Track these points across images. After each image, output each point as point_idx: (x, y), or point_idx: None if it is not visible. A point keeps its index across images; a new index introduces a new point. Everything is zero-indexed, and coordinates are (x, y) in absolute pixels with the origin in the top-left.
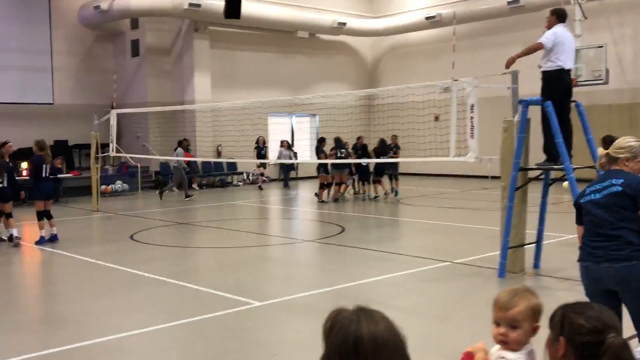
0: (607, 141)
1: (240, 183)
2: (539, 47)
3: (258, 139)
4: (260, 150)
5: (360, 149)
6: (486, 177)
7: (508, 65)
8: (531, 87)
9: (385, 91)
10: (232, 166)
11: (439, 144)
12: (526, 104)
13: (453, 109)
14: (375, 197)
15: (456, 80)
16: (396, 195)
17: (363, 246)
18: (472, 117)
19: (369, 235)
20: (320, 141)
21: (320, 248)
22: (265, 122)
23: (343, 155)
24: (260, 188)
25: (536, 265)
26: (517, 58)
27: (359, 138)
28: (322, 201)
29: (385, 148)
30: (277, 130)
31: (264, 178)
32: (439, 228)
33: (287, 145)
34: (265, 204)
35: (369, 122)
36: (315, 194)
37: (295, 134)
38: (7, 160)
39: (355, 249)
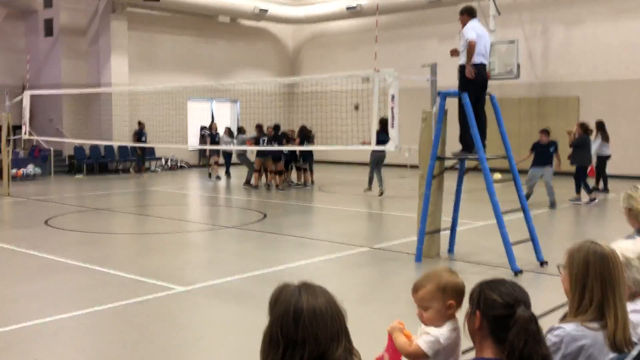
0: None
1: (158, 169)
2: (472, 44)
3: (211, 125)
4: (214, 137)
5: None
6: (405, 166)
7: (451, 55)
8: (449, 79)
9: (308, 79)
10: (151, 152)
11: (359, 133)
12: (444, 95)
13: (375, 99)
14: (304, 184)
15: (378, 70)
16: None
17: (284, 232)
18: (392, 108)
19: (290, 221)
20: (239, 129)
21: (241, 234)
22: (184, 107)
23: (265, 141)
24: (217, 178)
25: (450, 250)
26: (470, 66)
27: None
28: (255, 186)
29: (308, 134)
30: (196, 115)
31: (216, 166)
32: (359, 215)
33: (229, 132)
34: (185, 190)
35: (290, 110)
36: (246, 181)
37: (215, 119)
38: None
39: (277, 235)
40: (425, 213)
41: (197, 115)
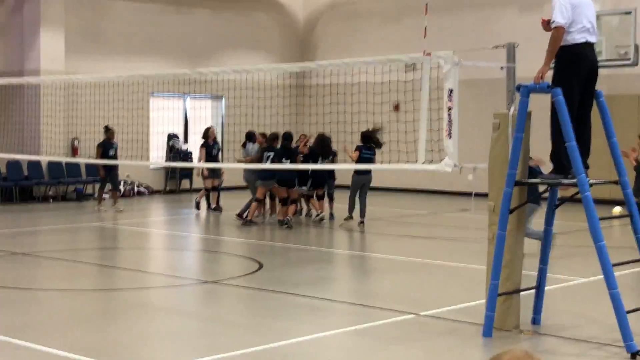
0: None
1: (106, 195)
2: (560, 33)
3: (208, 131)
4: (211, 148)
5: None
6: (468, 194)
7: (536, 82)
8: (534, 65)
9: (326, 66)
10: (94, 170)
11: (400, 145)
12: (527, 90)
13: (423, 95)
14: (318, 216)
15: (429, 54)
16: (331, 219)
17: (289, 290)
18: (450, 108)
19: (298, 274)
20: (249, 137)
21: (226, 292)
22: (145, 105)
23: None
24: (216, 209)
25: (536, 319)
26: (546, 71)
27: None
28: (250, 222)
29: (326, 149)
30: (162, 118)
31: (212, 194)
32: (398, 265)
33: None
34: (146, 226)
35: (298, 110)
36: (239, 213)
37: (189, 123)
38: None
39: (278, 293)
40: (499, 264)
41: (164, 117)
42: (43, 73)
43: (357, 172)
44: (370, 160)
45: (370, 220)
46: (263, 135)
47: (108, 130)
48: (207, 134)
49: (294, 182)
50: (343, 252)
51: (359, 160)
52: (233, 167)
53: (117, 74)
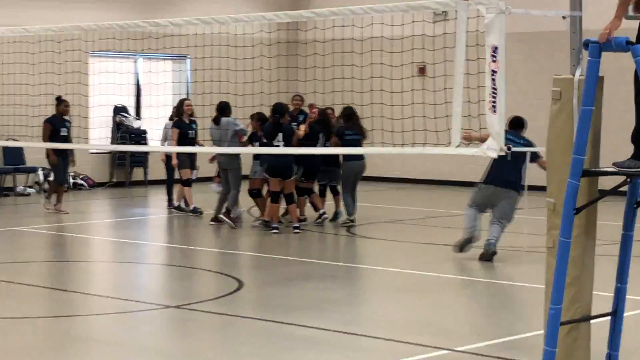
0: None
1: (30, 190)
2: None
3: (183, 104)
4: (187, 128)
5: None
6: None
7: (602, 39)
8: (606, 15)
9: (324, 16)
10: (15, 156)
11: (427, 122)
12: (598, 48)
13: (458, 54)
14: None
15: None
16: (336, 218)
17: (278, 317)
18: (494, 72)
19: (290, 295)
20: (223, 109)
21: (195, 320)
22: (83, 68)
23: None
24: (195, 211)
25: (612, 356)
26: (617, 26)
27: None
28: (266, 223)
29: (330, 125)
30: (105, 83)
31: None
32: (424, 283)
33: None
34: (89, 232)
35: (289, 75)
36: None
37: (142, 91)
38: None
39: (263, 322)
40: (562, 282)
41: (109, 85)
42: None
43: (345, 158)
44: (358, 143)
45: (386, 223)
46: (259, 117)
47: (60, 102)
48: (182, 108)
49: (290, 170)
50: (349, 266)
51: (343, 145)
52: (220, 151)
53: (44, 25)
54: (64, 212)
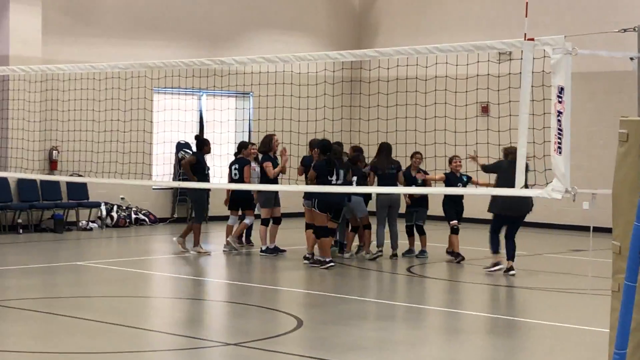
0: None
1: (94, 224)
2: None
3: (271, 140)
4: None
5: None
6: (584, 228)
7: None
8: None
9: (388, 55)
10: (79, 191)
11: (490, 162)
12: None
13: (523, 95)
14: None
15: (531, 39)
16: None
17: (339, 356)
18: (559, 113)
19: (350, 334)
20: (240, 147)
21: (253, 359)
22: (148, 104)
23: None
24: (275, 250)
25: None
26: None
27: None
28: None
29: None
30: (169, 121)
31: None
32: (488, 324)
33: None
34: (147, 267)
35: (353, 113)
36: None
37: (206, 127)
38: None
39: None
40: (627, 326)
41: (172, 120)
42: (13, 61)
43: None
44: (393, 176)
45: (448, 264)
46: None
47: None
48: (270, 144)
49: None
50: (410, 306)
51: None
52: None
53: (110, 62)
54: (205, 252)
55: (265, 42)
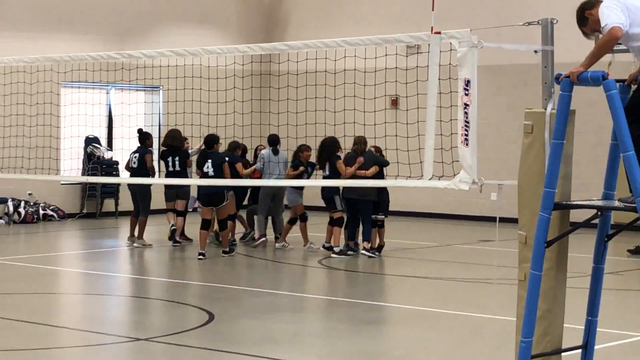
0: None
1: (1, 220)
2: (615, 35)
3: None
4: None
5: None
6: (491, 219)
7: (573, 79)
8: (580, 49)
9: (298, 49)
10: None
11: (399, 155)
12: (569, 82)
13: (431, 88)
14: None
15: (438, 32)
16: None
17: (251, 350)
18: (466, 105)
19: (262, 327)
20: (212, 142)
21: (164, 353)
22: (55, 99)
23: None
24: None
25: None
26: (579, 72)
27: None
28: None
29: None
30: (77, 116)
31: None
32: (399, 316)
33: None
34: (56, 263)
35: (263, 107)
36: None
37: (114, 122)
38: None
39: (236, 355)
40: (533, 315)
41: (80, 115)
42: None
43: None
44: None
45: (362, 257)
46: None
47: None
48: (181, 139)
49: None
50: (323, 298)
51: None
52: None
53: (15, 56)
54: (149, 245)
55: (175, 35)
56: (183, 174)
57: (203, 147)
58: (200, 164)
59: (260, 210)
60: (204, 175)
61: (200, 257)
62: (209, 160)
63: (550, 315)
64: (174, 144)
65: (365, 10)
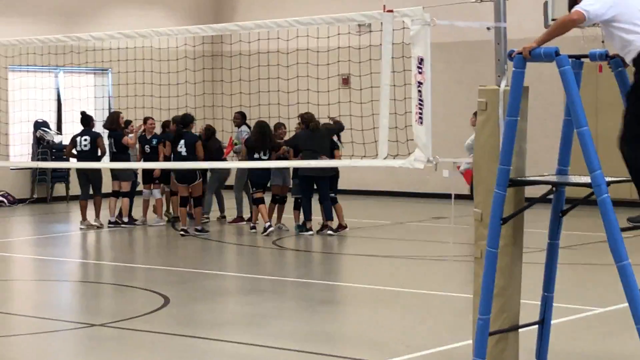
0: None
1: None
2: (575, 20)
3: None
4: (148, 143)
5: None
6: (446, 196)
7: (526, 56)
8: (533, 25)
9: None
10: None
11: (353, 135)
12: (523, 59)
13: (384, 66)
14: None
15: (390, 11)
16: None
17: (208, 333)
18: (420, 84)
19: (218, 310)
20: (187, 122)
21: (117, 339)
22: (2, 83)
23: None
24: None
25: None
26: (532, 49)
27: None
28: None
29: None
30: (25, 100)
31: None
32: (355, 295)
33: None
34: (6, 249)
35: (216, 88)
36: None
37: (64, 106)
38: None
39: (192, 339)
40: (490, 292)
41: (29, 99)
42: None
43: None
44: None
45: (312, 235)
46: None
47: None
48: (117, 121)
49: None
50: (279, 279)
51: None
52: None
53: None
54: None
55: (124, 17)
56: (120, 156)
57: (143, 129)
58: (174, 143)
59: (210, 190)
60: (177, 154)
61: (182, 232)
62: (183, 140)
63: (506, 292)
64: (111, 126)
65: None
